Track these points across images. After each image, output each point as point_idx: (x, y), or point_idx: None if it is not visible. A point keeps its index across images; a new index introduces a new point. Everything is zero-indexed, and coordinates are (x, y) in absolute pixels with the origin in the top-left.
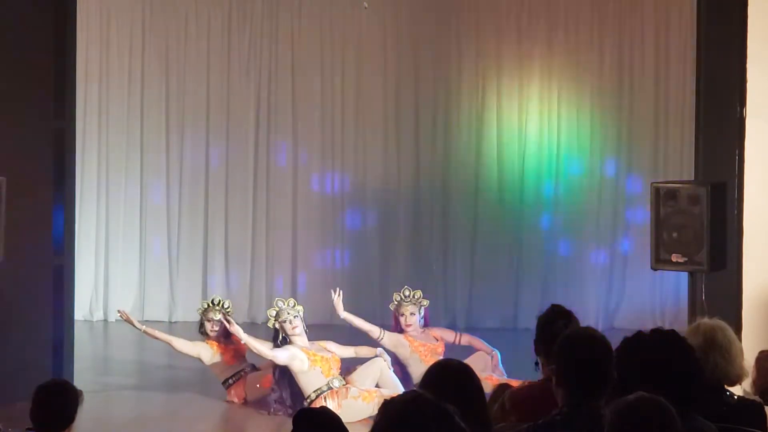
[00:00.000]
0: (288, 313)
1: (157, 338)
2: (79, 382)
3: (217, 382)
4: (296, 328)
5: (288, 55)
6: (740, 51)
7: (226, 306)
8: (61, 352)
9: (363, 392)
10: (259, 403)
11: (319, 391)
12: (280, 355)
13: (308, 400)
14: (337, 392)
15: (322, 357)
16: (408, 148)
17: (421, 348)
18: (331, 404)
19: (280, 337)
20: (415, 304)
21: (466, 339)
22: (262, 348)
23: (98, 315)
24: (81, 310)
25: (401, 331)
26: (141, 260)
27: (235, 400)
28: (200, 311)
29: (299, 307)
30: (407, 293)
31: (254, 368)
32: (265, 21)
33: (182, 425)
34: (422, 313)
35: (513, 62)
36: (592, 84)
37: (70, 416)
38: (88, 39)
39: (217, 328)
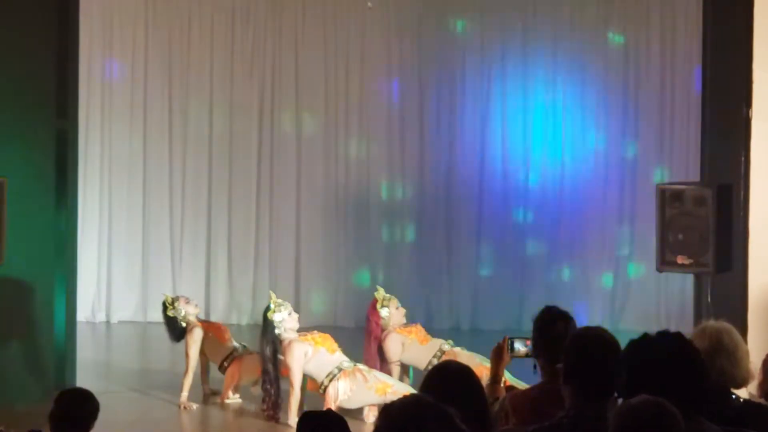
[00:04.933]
0: (284, 308)
1: (188, 380)
2: (81, 383)
3: (218, 383)
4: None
5: (291, 55)
6: (746, 53)
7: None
8: (63, 353)
9: (378, 383)
10: (258, 403)
11: (331, 375)
12: (298, 364)
13: (322, 388)
14: (350, 373)
15: (320, 335)
16: (412, 149)
17: (413, 329)
18: (343, 385)
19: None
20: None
21: None
22: (298, 375)
23: (101, 317)
24: (83, 311)
25: (380, 331)
26: (143, 261)
27: (230, 381)
28: (173, 311)
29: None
30: (382, 291)
31: (244, 348)
32: (268, 20)
33: (184, 427)
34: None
35: (518, 62)
36: (597, 86)
37: (87, 426)
38: (90, 39)
39: (195, 311)
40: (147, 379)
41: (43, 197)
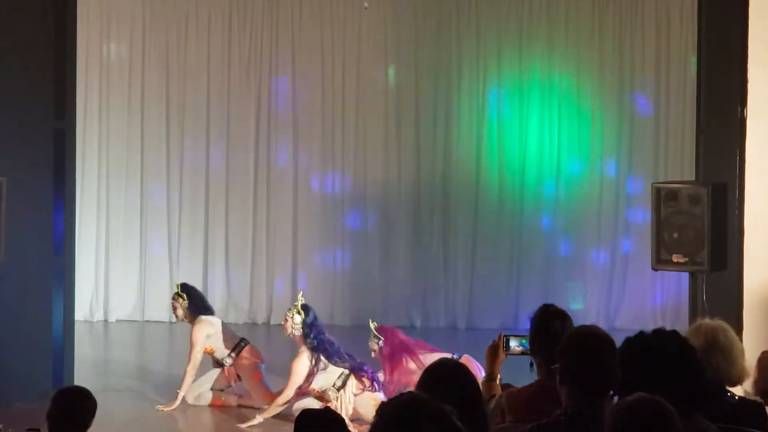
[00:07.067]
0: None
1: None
2: (79, 382)
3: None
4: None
5: (288, 55)
6: (741, 51)
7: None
8: (61, 352)
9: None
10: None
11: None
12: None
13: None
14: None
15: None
16: (408, 148)
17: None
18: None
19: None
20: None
21: None
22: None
23: (98, 315)
24: (81, 310)
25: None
26: (141, 260)
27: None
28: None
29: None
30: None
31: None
32: (265, 21)
33: (182, 426)
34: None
35: (514, 62)
36: (592, 84)
37: (86, 424)
38: (88, 39)
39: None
40: (145, 377)
41: (41, 196)
